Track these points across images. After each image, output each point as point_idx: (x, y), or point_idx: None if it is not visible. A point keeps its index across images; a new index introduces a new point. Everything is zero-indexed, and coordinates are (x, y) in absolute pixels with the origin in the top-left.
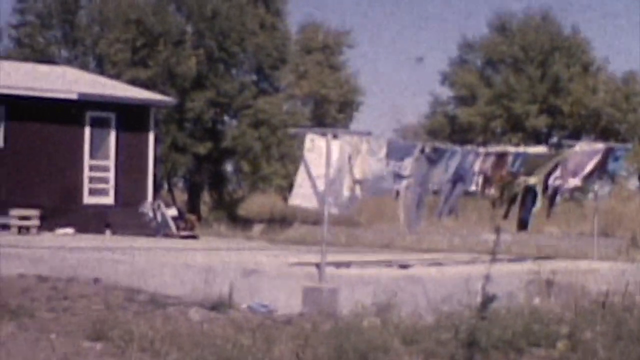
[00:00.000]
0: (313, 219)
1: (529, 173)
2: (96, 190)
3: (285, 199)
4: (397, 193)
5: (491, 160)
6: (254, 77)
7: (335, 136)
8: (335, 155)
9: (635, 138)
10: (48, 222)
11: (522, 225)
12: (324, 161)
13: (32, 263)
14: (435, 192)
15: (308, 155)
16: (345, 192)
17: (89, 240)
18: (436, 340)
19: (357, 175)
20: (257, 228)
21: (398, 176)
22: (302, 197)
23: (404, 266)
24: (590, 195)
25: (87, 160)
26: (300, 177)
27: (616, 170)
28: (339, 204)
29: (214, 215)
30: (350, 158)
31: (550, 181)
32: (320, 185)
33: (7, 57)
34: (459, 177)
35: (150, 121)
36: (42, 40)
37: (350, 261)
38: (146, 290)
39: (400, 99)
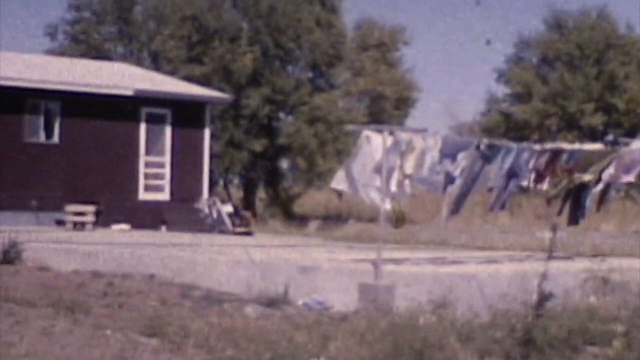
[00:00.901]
0: (368, 216)
1: (584, 170)
2: (152, 187)
3: (341, 196)
4: (445, 188)
5: (546, 157)
6: (310, 74)
7: (391, 133)
8: (386, 151)
9: None
10: (103, 218)
11: (574, 221)
12: (376, 156)
13: (87, 259)
14: (490, 190)
15: (359, 149)
16: (393, 188)
17: (144, 236)
18: (492, 338)
19: (408, 170)
20: (313, 225)
21: (450, 174)
22: (342, 182)
23: (455, 262)
24: None
25: (142, 157)
26: (344, 165)
27: None
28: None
29: (270, 212)
30: (402, 154)
31: (604, 177)
32: (364, 177)
33: (63, 53)
34: (513, 174)
35: (205, 118)
36: (97, 37)
37: (406, 258)
38: (201, 287)
39: (456, 96)
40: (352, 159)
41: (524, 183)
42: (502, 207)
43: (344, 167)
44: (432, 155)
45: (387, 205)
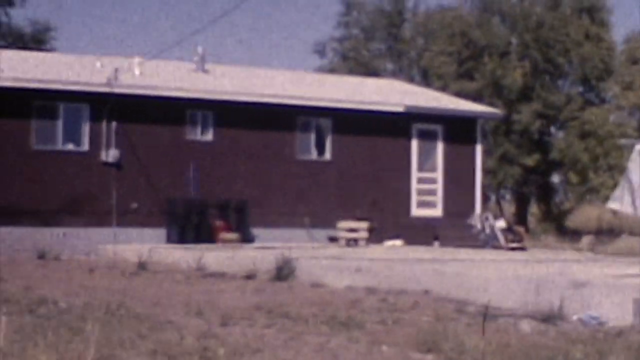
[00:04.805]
0: None
1: None
2: (424, 202)
3: (615, 212)
4: None
5: None
6: (580, 89)
7: None
8: None
9: None
10: (376, 234)
11: None
12: None
13: (361, 275)
14: None
15: (631, 164)
16: None
17: (417, 252)
18: None
19: None
20: (585, 240)
21: None
22: (619, 202)
23: None
24: None
25: (414, 173)
26: (621, 184)
27: None
28: None
29: (542, 227)
30: None
31: None
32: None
33: (332, 70)
34: None
35: (477, 133)
36: (366, 54)
37: None
38: (475, 302)
39: None
40: (626, 175)
41: None
42: None
43: (620, 185)
44: None
45: None
